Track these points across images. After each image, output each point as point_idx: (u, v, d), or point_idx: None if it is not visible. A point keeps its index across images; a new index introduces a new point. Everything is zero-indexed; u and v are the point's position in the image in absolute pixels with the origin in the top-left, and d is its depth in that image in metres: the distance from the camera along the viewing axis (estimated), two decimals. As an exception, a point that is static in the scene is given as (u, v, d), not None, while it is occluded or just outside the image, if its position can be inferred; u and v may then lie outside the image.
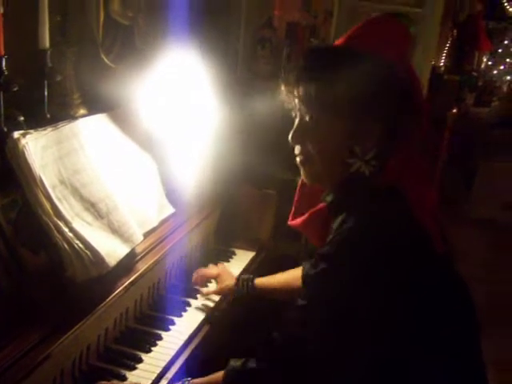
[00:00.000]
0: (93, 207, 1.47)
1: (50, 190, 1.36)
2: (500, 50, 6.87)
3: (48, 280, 1.33)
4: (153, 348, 1.50)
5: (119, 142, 1.70)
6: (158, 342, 1.52)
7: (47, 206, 1.35)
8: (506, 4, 6.53)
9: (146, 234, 1.68)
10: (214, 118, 1.93)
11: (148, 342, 1.52)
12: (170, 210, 1.84)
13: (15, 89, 1.39)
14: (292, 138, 1.25)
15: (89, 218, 1.45)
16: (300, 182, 1.38)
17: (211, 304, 1.75)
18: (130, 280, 1.52)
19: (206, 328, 1.65)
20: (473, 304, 1.24)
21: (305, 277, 1.36)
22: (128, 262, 1.55)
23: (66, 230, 1.36)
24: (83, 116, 1.63)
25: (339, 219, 1.18)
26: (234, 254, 2.10)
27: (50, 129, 1.44)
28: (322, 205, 1.29)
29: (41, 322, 1.26)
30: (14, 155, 1.32)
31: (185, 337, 1.57)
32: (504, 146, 4.96)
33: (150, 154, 1.82)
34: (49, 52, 1.49)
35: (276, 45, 2.71)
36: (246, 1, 2.59)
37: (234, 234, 2.16)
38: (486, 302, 2.11)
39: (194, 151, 1.95)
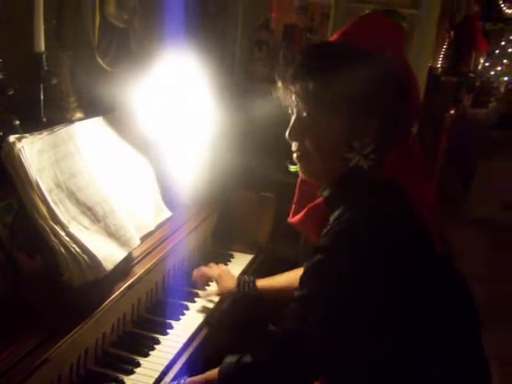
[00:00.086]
0: (89, 211, 1.47)
1: (46, 194, 1.35)
2: (497, 51, 6.90)
3: (44, 284, 1.33)
4: (151, 352, 1.49)
5: (116, 146, 1.70)
6: (156, 346, 1.52)
7: (43, 209, 1.34)
8: (502, 5, 6.55)
9: (143, 238, 1.67)
10: (211, 120, 1.92)
11: (146, 346, 1.51)
12: (167, 213, 1.83)
13: (11, 92, 1.38)
14: (289, 134, 1.25)
15: (85, 221, 1.45)
16: (299, 180, 1.37)
17: (209, 307, 1.74)
18: (127, 284, 1.51)
19: (204, 331, 1.65)
20: (473, 301, 1.24)
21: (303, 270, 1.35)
22: (125, 266, 1.54)
23: (62, 233, 1.35)
24: (79, 119, 1.62)
25: (336, 213, 1.17)
26: (233, 256, 2.09)
27: (45, 132, 1.43)
28: (319, 200, 1.28)
29: (38, 326, 1.25)
30: (9, 159, 1.32)
31: (183, 340, 1.56)
32: (502, 146, 4.97)
33: (146, 158, 1.81)
34: (44, 55, 1.49)
35: (273, 47, 2.71)
36: (243, 3, 2.59)
37: (232, 237, 2.15)
38: (486, 299, 2.11)
39: (191, 154, 1.95)
